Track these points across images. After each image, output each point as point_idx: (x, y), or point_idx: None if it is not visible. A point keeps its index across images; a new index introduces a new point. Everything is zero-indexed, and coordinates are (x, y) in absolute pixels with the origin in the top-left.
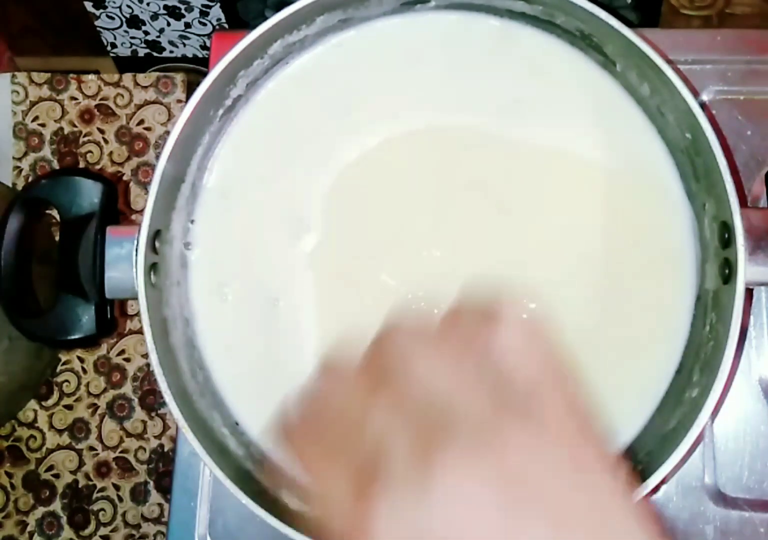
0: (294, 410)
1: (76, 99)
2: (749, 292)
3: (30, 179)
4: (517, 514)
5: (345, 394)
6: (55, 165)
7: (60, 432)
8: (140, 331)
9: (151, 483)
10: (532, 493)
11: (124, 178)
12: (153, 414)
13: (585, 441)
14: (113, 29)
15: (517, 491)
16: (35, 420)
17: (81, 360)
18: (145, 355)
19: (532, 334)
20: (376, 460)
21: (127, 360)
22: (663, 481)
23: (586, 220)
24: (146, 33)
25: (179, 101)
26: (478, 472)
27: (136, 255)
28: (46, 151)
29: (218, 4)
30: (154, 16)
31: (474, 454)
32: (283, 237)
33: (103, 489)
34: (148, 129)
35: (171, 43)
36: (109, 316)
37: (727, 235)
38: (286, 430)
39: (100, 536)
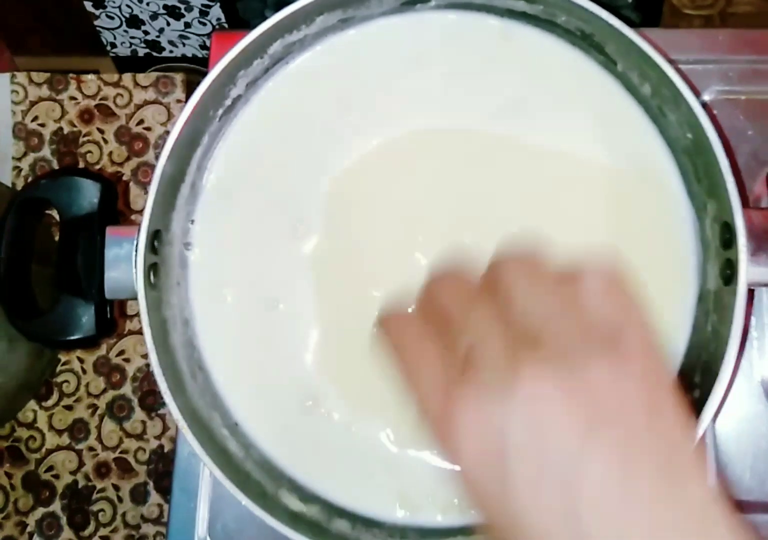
0: (403, 304)
1: (75, 99)
2: (750, 293)
3: (29, 179)
4: (592, 434)
5: (456, 296)
6: (55, 165)
7: (60, 432)
8: (140, 332)
9: (151, 483)
10: (609, 418)
11: (124, 178)
12: (153, 414)
13: (663, 384)
14: (113, 29)
15: (596, 413)
16: (35, 420)
17: (81, 360)
18: (145, 356)
19: (615, 282)
20: (469, 360)
21: (127, 360)
22: None
23: (588, 221)
24: (146, 33)
25: (179, 101)
26: (563, 386)
27: (136, 255)
28: (46, 151)
29: (218, 4)
30: (154, 16)
31: (561, 369)
32: (282, 237)
33: (102, 489)
34: (147, 129)
35: (171, 42)
36: (108, 316)
37: (728, 236)
38: (393, 317)
39: (100, 537)
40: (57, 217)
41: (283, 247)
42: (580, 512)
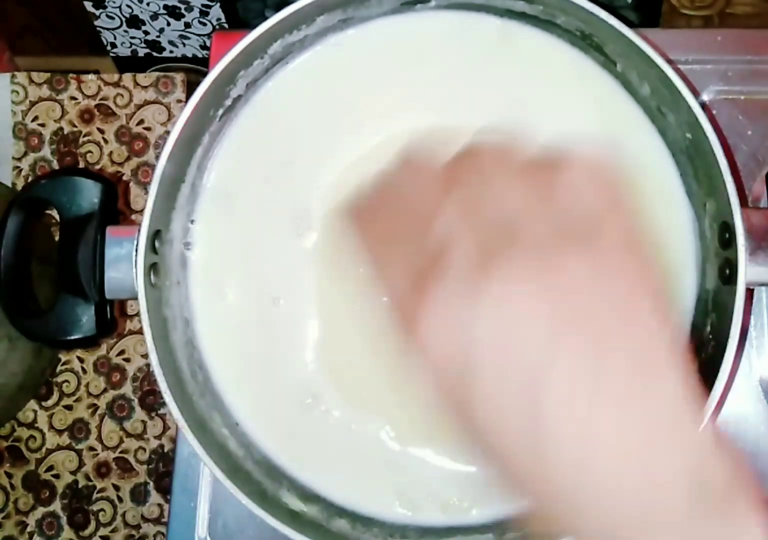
0: (367, 195)
1: (75, 99)
2: (749, 293)
3: (30, 179)
4: (562, 332)
5: (421, 186)
6: (55, 165)
7: (60, 432)
8: (140, 332)
9: (151, 483)
10: (581, 314)
11: (124, 178)
12: (153, 414)
13: (642, 282)
14: (113, 29)
15: (568, 311)
16: (35, 420)
17: (81, 360)
18: (145, 356)
19: (600, 172)
20: (439, 256)
21: (127, 360)
22: None
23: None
24: (146, 33)
25: (179, 101)
26: (533, 284)
27: (136, 255)
28: (46, 151)
29: (218, 4)
30: (154, 16)
31: (532, 266)
32: (283, 236)
33: (103, 489)
34: (147, 129)
35: (171, 43)
36: (109, 316)
37: (727, 235)
38: (357, 210)
39: (100, 536)
40: (57, 216)
41: (284, 245)
42: (545, 413)
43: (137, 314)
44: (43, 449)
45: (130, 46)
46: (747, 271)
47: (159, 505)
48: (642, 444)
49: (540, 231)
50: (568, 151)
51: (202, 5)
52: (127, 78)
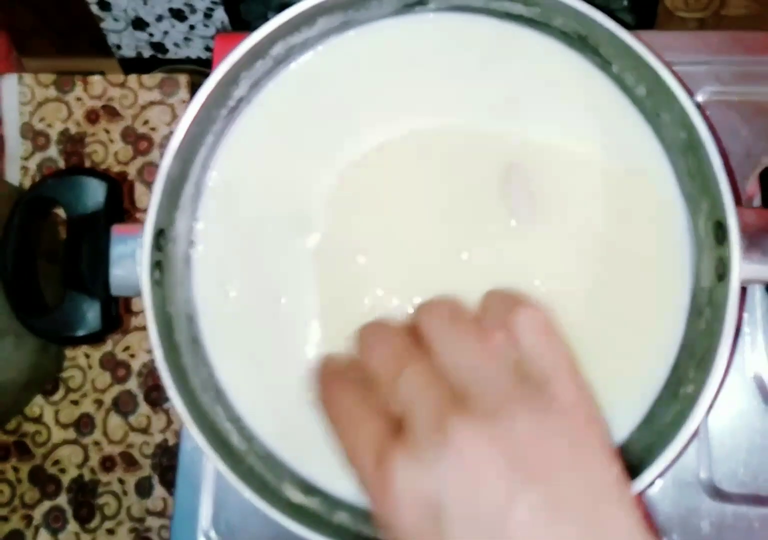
0: (334, 361)
1: (81, 100)
2: (743, 290)
3: (37, 179)
4: (520, 488)
5: (382, 354)
6: (62, 165)
7: (66, 427)
8: (145, 328)
9: (156, 477)
10: (535, 465)
11: (129, 177)
12: (157, 409)
13: (590, 429)
14: (118, 31)
15: (523, 461)
16: (41, 415)
17: (87, 356)
18: (150, 352)
19: (549, 325)
20: (401, 424)
21: (132, 356)
22: (659, 476)
23: (583, 219)
24: (151, 35)
25: (183, 102)
26: (491, 445)
27: (141, 253)
28: (53, 151)
29: (222, 7)
30: (159, 19)
31: (488, 428)
32: (285, 235)
33: (108, 483)
34: (152, 129)
35: (175, 44)
36: (114, 313)
37: (721, 234)
38: (325, 374)
39: (105, 530)
40: (63, 215)
41: (286, 244)
42: None
43: (142, 311)
44: (49, 444)
45: (135, 48)
46: (741, 268)
47: (163, 498)
48: None
49: (493, 390)
50: (508, 312)
51: (206, 8)
52: (132, 79)
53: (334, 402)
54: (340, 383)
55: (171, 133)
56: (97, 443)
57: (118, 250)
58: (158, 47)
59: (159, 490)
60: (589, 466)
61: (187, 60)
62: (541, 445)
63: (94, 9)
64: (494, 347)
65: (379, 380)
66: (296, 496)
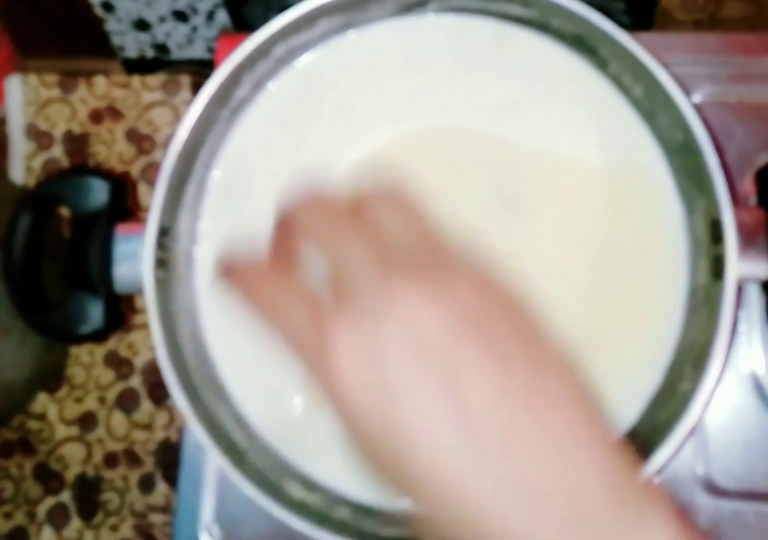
0: (235, 253)
1: (85, 100)
2: (739, 288)
3: (41, 179)
4: (465, 338)
5: (320, 229)
6: (65, 164)
7: (69, 424)
8: (148, 326)
9: (158, 474)
10: (479, 323)
11: (133, 177)
12: (160, 406)
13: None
14: (122, 32)
15: (467, 319)
16: (45, 412)
17: (90, 353)
18: (153, 349)
19: (393, 202)
20: (338, 287)
21: (135, 353)
22: (657, 472)
23: (582, 217)
24: (154, 36)
25: (186, 102)
26: (434, 298)
27: (144, 251)
28: (56, 151)
29: (224, 9)
30: (162, 20)
31: (429, 283)
32: None
33: (111, 480)
34: (155, 129)
35: (178, 45)
36: (117, 311)
37: (717, 233)
38: (231, 267)
39: (109, 526)
40: (68, 214)
41: None
42: (466, 411)
43: (145, 309)
44: (53, 441)
45: (138, 49)
46: (736, 266)
47: (166, 495)
48: (557, 442)
49: (421, 258)
50: (362, 194)
51: (209, 9)
52: (136, 80)
53: (256, 293)
54: (255, 271)
55: (174, 133)
56: (100, 440)
57: (121, 248)
58: (161, 48)
59: (162, 487)
60: (526, 321)
61: (190, 61)
62: (479, 299)
63: (98, 11)
64: (369, 230)
65: (301, 254)
66: (297, 492)
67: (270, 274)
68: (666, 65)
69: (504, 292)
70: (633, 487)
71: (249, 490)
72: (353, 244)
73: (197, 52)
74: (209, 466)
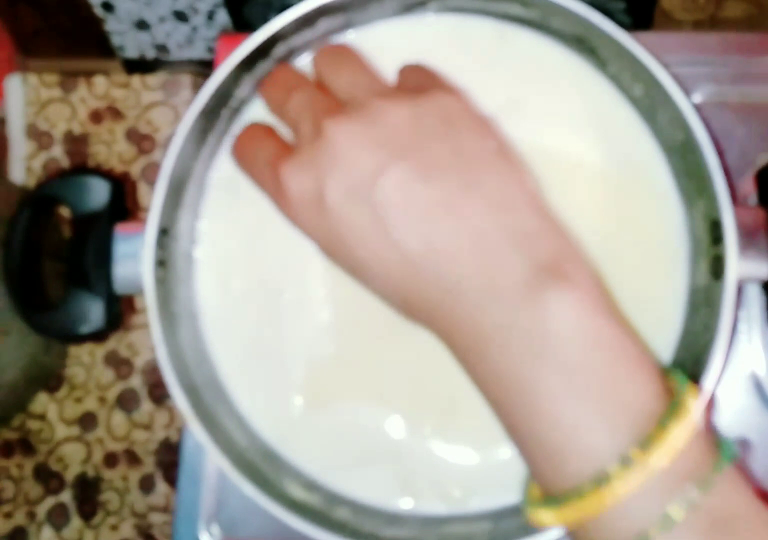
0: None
1: (85, 100)
2: (739, 288)
3: (41, 179)
4: (392, 158)
5: (297, 100)
6: (65, 165)
7: (69, 424)
8: (148, 326)
9: (158, 474)
10: (406, 140)
11: (133, 177)
12: (160, 406)
13: (462, 110)
14: (122, 33)
15: (394, 139)
16: (45, 412)
17: (90, 353)
18: (153, 349)
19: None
20: (294, 136)
21: (136, 353)
22: None
23: (582, 217)
24: (154, 36)
25: (186, 102)
26: (362, 129)
27: (144, 251)
28: (56, 152)
29: (224, 9)
30: (162, 20)
31: (360, 117)
32: (288, 231)
33: (111, 480)
34: (155, 129)
35: (178, 45)
36: (117, 311)
37: (717, 233)
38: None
39: (109, 526)
40: (68, 214)
41: (289, 241)
42: (386, 218)
43: (145, 309)
44: (53, 441)
45: (138, 49)
46: (736, 266)
47: (166, 494)
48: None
49: (369, 95)
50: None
51: (209, 9)
52: (136, 80)
53: (244, 146)
54: (243, 136)
55: (174, 133)
56: (100, 440)
57: (121, 248)
58: (161, 48)
59: (162, 487)
60: (462, 136)
61: (190, 61)
62: (412, 125)
63: (98, 11)
64: (375, 78)
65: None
66: (297, 492)
67: (251, 133)
68: (666, 65)
69: (440, 121)
70: (552, 261)
71: (249, 490)
72: (301, 102)
73: (197, 52)
74: (209, 466)
